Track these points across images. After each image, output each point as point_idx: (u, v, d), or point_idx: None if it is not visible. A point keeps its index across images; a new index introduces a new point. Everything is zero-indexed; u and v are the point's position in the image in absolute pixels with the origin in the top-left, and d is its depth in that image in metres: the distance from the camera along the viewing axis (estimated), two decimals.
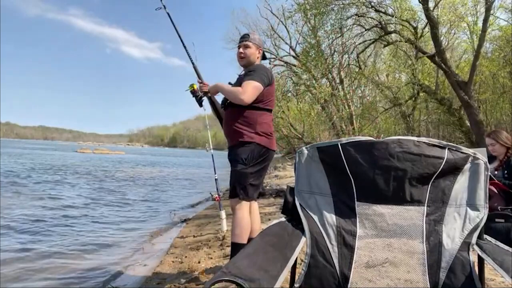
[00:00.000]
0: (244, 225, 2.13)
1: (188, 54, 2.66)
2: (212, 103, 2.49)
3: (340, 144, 1.22)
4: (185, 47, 2.68)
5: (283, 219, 1.24)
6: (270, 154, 2.24)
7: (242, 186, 2.12)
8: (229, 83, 2.40)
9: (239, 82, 2.20)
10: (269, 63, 17.55)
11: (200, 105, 2.54)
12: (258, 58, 2.34)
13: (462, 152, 1.15)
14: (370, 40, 10.60)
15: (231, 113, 2.24)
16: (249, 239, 2.31)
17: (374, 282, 1.10)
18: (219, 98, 2.58)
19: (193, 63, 2.62)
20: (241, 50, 2.29)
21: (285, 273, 0.89)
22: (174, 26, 2.69)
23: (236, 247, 2.11)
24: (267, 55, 18.66)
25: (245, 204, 2.16)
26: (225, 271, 0.79)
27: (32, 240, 4.00)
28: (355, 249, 1.16)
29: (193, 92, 2.51)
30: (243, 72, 2.33)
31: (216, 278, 0.76)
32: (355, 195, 1.20)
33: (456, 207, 1.14)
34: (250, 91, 2.09)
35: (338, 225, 1.20)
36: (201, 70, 2.60)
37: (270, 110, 2.29)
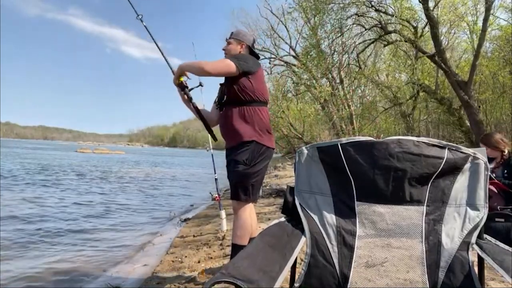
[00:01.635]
0: (247, 227, 2.09)
1: (161, 51, 2.45)
2: (194, 108, 2.29)
3: (340, 144, 1.22)
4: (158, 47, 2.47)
5: (282, 219, 1.24)
6: (270, 152, 2.20)
7: (244, 188, 2.07)
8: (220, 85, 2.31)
9: (226, 81, 2.16)
10: (269, 63, 17.54)
11: (190, 99, 2.27)
12: (240, 52, 2.27)
13: (462, 152, 1.15)
14: (370, 39, 10.60)
15: (228, 112, 2.16)
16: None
17: (373, 281, 1.10)
18: (209, 102, 2.44)
19: (165, 58, 2.38)
20: (223, 47, 2.30)
21: (284, 274, 0.90)
22: (150, 35, 2.49)
23: (237, 249, 2.07)
24: (267, 55, 18.50)
25: (247, 206, 2.11)
26: (224, 272, 0.79)
27: (31, 240, 4.00)
28: (355, 248, 1.16)
29: (182, 86, 2.23)
30: None
31: (215, 279, 0.77)
32: (355, 195, 1.20)
33: (456, 206, 1.14)
34: (216, 63, 2.03)
35: (338, 224, 1.20)
36: None
37: (265, 103, 2.22)
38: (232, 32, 2.33)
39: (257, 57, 2.36)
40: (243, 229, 2.08)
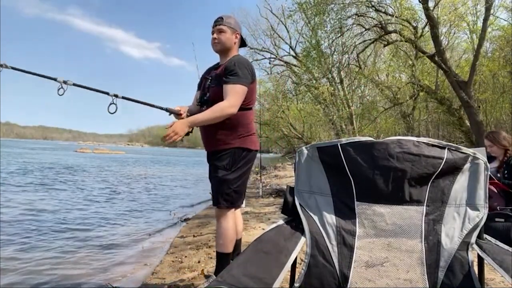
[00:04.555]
0: (229, 235, 1.99)
1: None
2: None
3: (340, 144, 1.22)
4: None
5: (280, 222, 1.24)
6: (253, 155, 2.07)
7: (225, 194, 1.96)
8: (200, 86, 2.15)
9: (216, 81, 1.98)
10: (269, 63, 17.54)
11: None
12: (235, 43, 2.08)
13: (461, 152, 1.15)
14: (370, 39, 10.60)
15: None
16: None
17: (373, 281, 1.10)
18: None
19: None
20: (214, 35, 2.04)
21: (281, 279, 0.89)
22: None
23: (221, 257, 2.01)
24: (267, 55, 18.53)
25: (229, 213, 2.00)
26: (220, 280, 0.79)
27: (31, 240, 4.00)
28: (355, 248, 1.16)
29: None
30: (218, 69, 2.06)
31: (211, 286, 0.77)
32: (354, 195, 1.20)
33: (455, 206, 1.14)
34: (237, 99, 1.88)
35: (338, 225, 1.20)
36: (201, 68, 2.39)
37: (251, 108, 2.08)
38: (222, 18, 2.06)
39: (245, 44, 2.21)
40: (225, 237, 1.99)
